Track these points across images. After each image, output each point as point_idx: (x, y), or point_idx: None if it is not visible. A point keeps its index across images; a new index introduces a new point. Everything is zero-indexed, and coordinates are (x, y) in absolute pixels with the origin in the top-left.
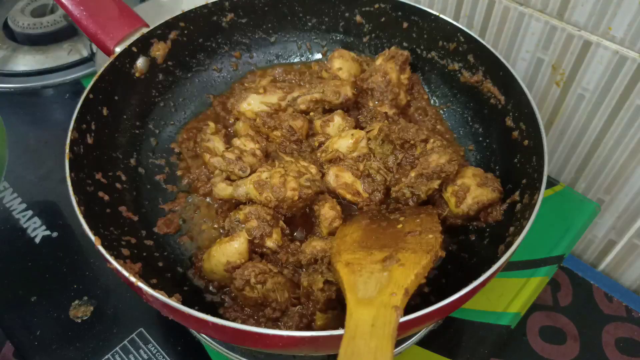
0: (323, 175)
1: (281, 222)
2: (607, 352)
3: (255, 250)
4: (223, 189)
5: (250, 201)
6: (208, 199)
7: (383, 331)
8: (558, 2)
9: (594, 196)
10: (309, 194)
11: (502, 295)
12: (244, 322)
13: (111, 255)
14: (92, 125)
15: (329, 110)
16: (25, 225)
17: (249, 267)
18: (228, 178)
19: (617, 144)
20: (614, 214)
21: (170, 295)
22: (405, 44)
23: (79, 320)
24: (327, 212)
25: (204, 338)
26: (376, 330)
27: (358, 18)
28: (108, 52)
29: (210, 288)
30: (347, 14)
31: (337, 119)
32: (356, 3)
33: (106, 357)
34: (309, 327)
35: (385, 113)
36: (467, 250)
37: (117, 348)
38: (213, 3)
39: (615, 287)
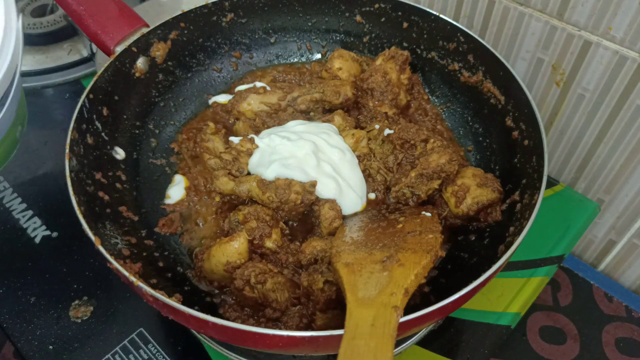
0: None
1: (281, 223)
2: (607, 352)
3: (255, 251)
4: (225, 183)
5: (251, 200)
6: (208, 199)
7: (383, 331)
8: (558, 2)
9: (594, 196)
10: (311, 200)
11: (502, 295)
12: (244, 322)
13: (111, 255)
14: (92, 125)
15: (329, 110)
16: (25, 225)
17: (249, 267)
18: (230, 173)
19: (617, 144)
20: (614, 214)
21: (170, 295)
22: (405, 44)
23: (79, 320)
24: (327, 212)
25: (204, 338)
26: (376, 330)
27: (358, 18)
28: (108, 52)
29: (211, 288)
30: (347, 14)
31: (337, 119)
32: (356, 3)
33: (106, 357)
34: (309, 327)
35: (385, 113)
36: (467, 250)
37: (117, 348)
38: (213, 3)
39: (615, 287)
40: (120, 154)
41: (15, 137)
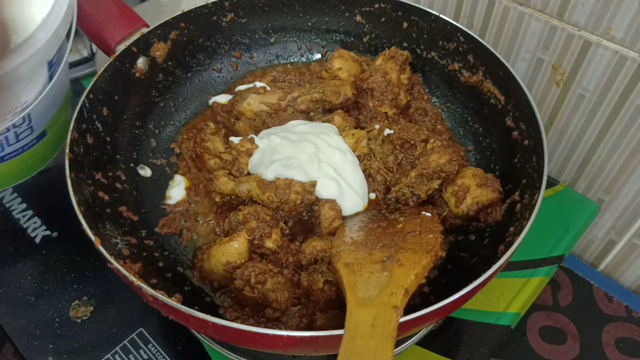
0: None
1: (281, 223)
2: (607, 352)
3: (255, 251)
4: (225, 183)
5: (251, 200)
6: (208, 199)
7: (383, 331)
8: (558, 2)
9: (594, 196)
10: (311, 200)
11: (502, 295)
12: (244, 322)
13: (111, 255)
14: (92, 125)
15: (329, 110)
16: (25, 225)
17: (249, 267)
18: (230, 173)
19: (617, 144)
20: (614, 214)
21: (170, 295)
22: (405, 44)
23: (79, 320)
24: (327, 212)
25: (204, 338)
26: (376, 330)
27: (358, 18)
28: (108, 52)
29: (210, 288)
30: (347, 14)
31: (337, 119)
32: (356, 3)
33: (106, 357)
34: (309, 327)
35: (385, 113)
36: (467, 250)
37: (117, 348)
38: (213, 3)
39: (615, 287)
40: (146, 171)
41: (66, 117)
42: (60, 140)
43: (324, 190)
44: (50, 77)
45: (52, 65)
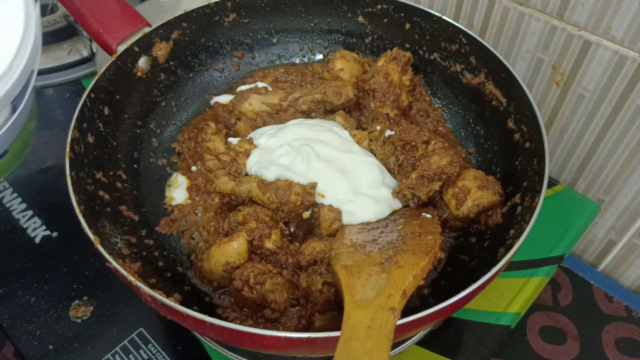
0: None
1: (281, 224)
2: (607, 352)
3: (255, 251)
4: (225, 183)
5: (251, 200)
6: (209, 199)
7: (379, 333)
8: (558, 2)
9: (594, 196)
10: (311, 202)
11: (502, 295)
12: (242, 322)
13: (110, 254)
14: (93, 124)
15: (330, 110)
16: (25, 225)
17: (248, 268)
18: (230, 173)
19: (617, 144)
20: (614, 214)
21: (169, 295)
22: (407, 45)
23: (79, 320)
24: (327, 213)
25: (204, 338)
26: (372, 332)
27: (360, 19)
28: (110, 51)
29: (210, 288)
30: (349, 15)
31: (339, 120)
32: (359, 4)
33: (106, 357)
34: (307, 328)
35: (387, 114)
36: (467, 252)
37: (117, 348)
38: (215, 3)
39: (615, 287)
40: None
41: (31, 128)
42: (25, 146)
43: (361, 213)
44: (14, 110)
45: (15, 101)
